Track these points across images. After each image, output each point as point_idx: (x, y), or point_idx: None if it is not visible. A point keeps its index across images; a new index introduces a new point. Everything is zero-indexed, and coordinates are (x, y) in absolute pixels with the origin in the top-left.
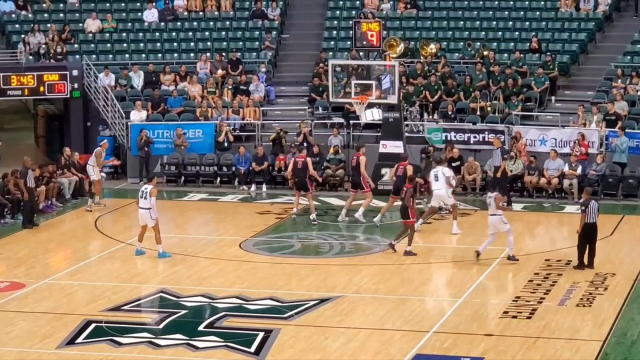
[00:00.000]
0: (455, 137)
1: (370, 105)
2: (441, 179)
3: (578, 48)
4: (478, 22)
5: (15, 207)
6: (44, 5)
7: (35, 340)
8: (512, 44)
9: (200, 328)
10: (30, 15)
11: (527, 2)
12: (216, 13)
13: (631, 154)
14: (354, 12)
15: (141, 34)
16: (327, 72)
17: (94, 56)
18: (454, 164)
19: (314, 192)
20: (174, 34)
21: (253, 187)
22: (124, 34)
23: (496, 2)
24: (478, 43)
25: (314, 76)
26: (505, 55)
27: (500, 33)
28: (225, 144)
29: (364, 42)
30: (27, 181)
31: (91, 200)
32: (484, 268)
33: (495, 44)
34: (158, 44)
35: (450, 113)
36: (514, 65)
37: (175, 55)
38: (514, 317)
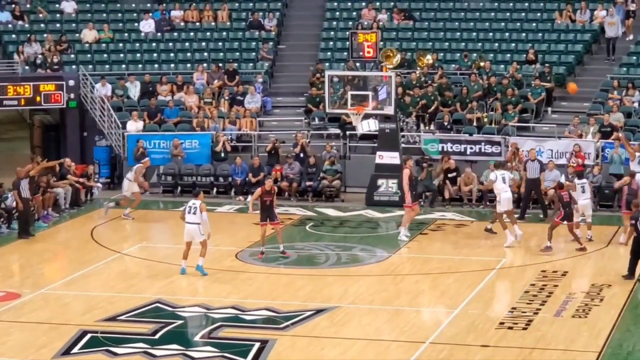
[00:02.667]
0: (451, 148)
1: (366, 116)
2: (587, 190)
3: (574, 59)
4: (474, 33)
5: (11, 216)
6: (41, 15)
7: (30, 350)
8: (509, 55)
9: (197, 338)
10: (26, 25)
11: (523, 14)
12: (213, 24)
13: (627, 165)
14: (350, 23)
15: (138, 45)
16: (323, 82)
17: (90, 66)
18: (450, 175)
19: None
20: (170, 44)
21: (249, 198)
22: (121, 45)
23: (492, 14)
24: (475, 54)
25: (311, 86)
26: (502, 66)
27: (496, 44)
28: (222, 154)
29: (361, 53)
30: (20, 192)
31: (130, 209)
32: (480, 279)
33: (491, 55)
34: (155, 55)
35: (446, 124)
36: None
37: (172, 65)
38: (510, 328)
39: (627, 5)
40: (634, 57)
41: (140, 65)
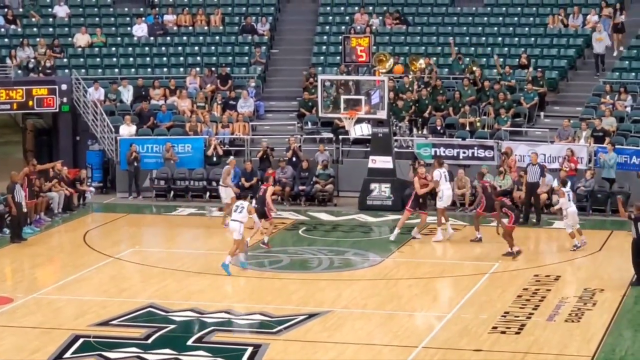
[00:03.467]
0: (444, 152)
1: (359, 120)
2: (572, 197)
3: (567, 64)
4: (467, 38)
5: (4, 221)
6: (33, 19)
7: (23, 355)
8: (502, 59)
9: (189, 343)
10: (19, 29)
11: (516, 18)
12: (206, 28)
13: (619, 169)
14: (343, 27)
15: (131, 49)
16: (316, 87)
17: (83, 70)
18: None
19: (272, 221)
20: (163, 48)
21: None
22: (114, 49)
23: (485, 18)
24: (467, 58)
25: (304, 90)
26: (495, 70)
27: (489, 49)
28: (214, 159)
29: (353, 57)
30: (14, 196)
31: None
32: (472, 283)
33: (484, 59)
34: (147, 59)
35: (439, 128)
36: (504, 79)
37: (165, 69)
38: (503, 332)
39: (615, 18)
40: (626, 62)
41: (133, 70)
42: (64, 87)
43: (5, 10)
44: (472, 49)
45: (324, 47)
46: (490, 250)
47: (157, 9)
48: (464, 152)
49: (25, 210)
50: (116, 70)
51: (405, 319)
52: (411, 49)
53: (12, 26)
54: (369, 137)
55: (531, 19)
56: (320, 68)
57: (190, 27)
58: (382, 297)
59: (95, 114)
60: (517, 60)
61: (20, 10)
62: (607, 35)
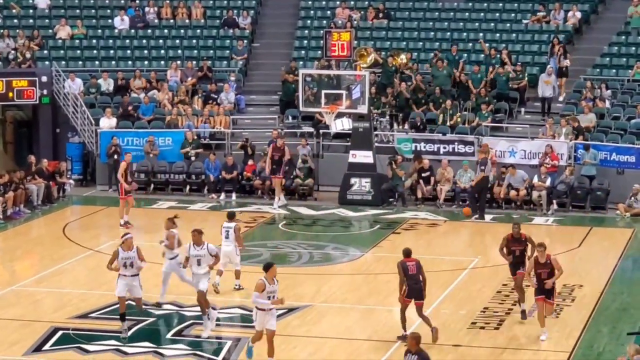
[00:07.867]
0: (424, 147)
1: (340, 115)
2: None
3: (547, 60)
4: (449, 33)
5: None
6: (14, 11)
7: (2, 347)
8: (482, 55)
9: (169, 336)
10: None
11: (497, 14)
12: (187, 21)
13: (600, 166)
14: (324, 21)
15: (111, 41)
16: (297, 81)
17: (63, 62)
18: (424, 174)
19: None
20: (144, 41)
21: (222, 196)
22: (94, 41)
23: (467, 14)
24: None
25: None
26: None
27: (470, 44)
28: (193, 158)
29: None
30: None
31: None
32: (452, 279)
33: (465, 54)
34: (128, 51)
35: (419, 124)
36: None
37: (146, 62)
38: (482, 327)
39: (560, 62)
40: (607, 59)
41: (113, 62)
42: (44, 79)
43: None
44: (454, 45)
45: (305, 42)
46: (470, 246)
47: (138, 1)
48: (444, 148)
49: None
50: (97, 62)
51: (384, 314)
52: (392, 43)
53: None
54: (350, 131)
55: (512, 14)
56: (301, 62)
57: (172, 20)
58: (362, 292)
59: (75, 106)
60: (498, 56)
61: (1, 1)
62: (554, 78)
